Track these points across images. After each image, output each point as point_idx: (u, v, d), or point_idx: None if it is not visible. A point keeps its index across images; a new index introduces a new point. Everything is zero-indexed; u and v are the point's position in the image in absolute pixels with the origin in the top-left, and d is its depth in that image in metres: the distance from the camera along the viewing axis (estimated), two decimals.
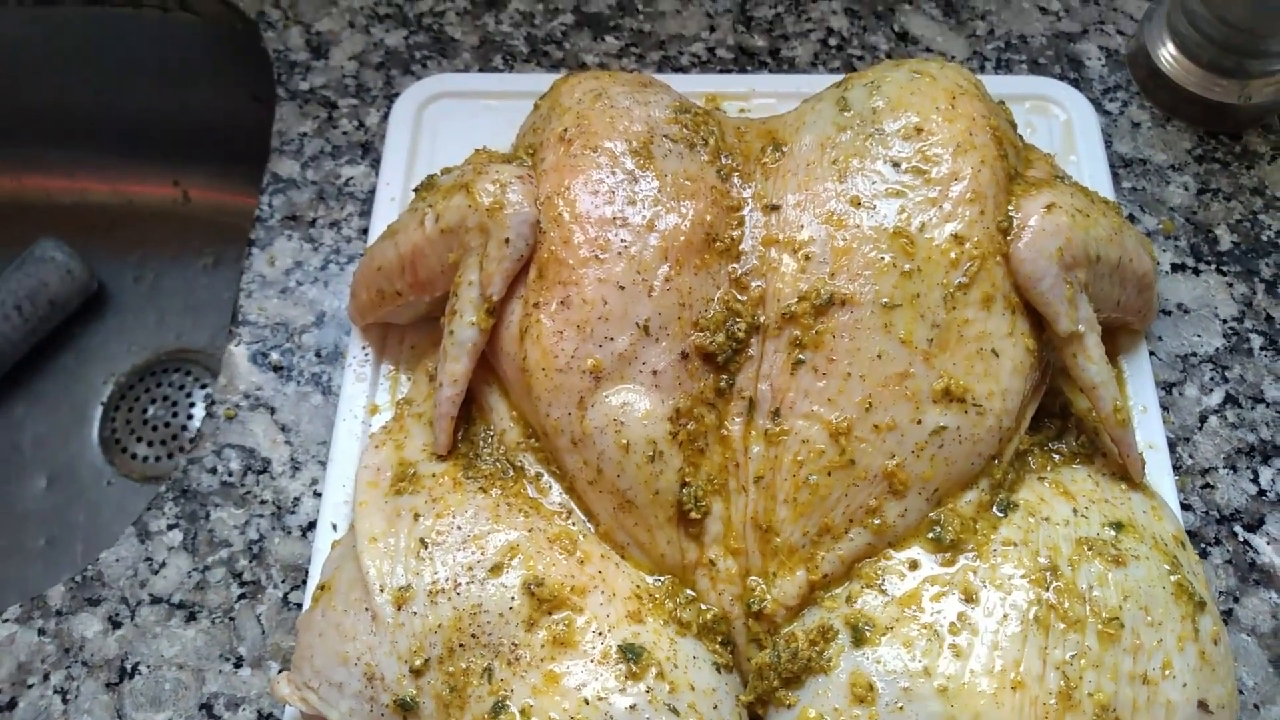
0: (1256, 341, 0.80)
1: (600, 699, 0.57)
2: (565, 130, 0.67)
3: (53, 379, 1.10)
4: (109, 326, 1.13)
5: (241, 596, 0.73)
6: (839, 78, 0.72)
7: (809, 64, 0.93)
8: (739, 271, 0.64)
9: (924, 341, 0.61)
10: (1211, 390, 0.78)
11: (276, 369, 0.81)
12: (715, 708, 0.58)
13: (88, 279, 1.10)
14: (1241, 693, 0.68)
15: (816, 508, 0.61)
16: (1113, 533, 0.61)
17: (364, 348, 0.77)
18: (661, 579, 0.63)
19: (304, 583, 0.72)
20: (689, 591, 0.63)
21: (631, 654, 0.58)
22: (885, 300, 0.61)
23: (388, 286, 0.72)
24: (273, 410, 0.79)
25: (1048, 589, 0.58)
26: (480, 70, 0.93)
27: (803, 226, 0.64)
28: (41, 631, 0.71)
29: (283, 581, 0.73)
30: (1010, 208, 0.64)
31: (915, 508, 0.61)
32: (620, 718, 0.56)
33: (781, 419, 0.62)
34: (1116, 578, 0.59)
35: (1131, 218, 0.84)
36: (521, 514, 0.63)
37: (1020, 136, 0.71)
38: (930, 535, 0.61)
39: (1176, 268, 0.82)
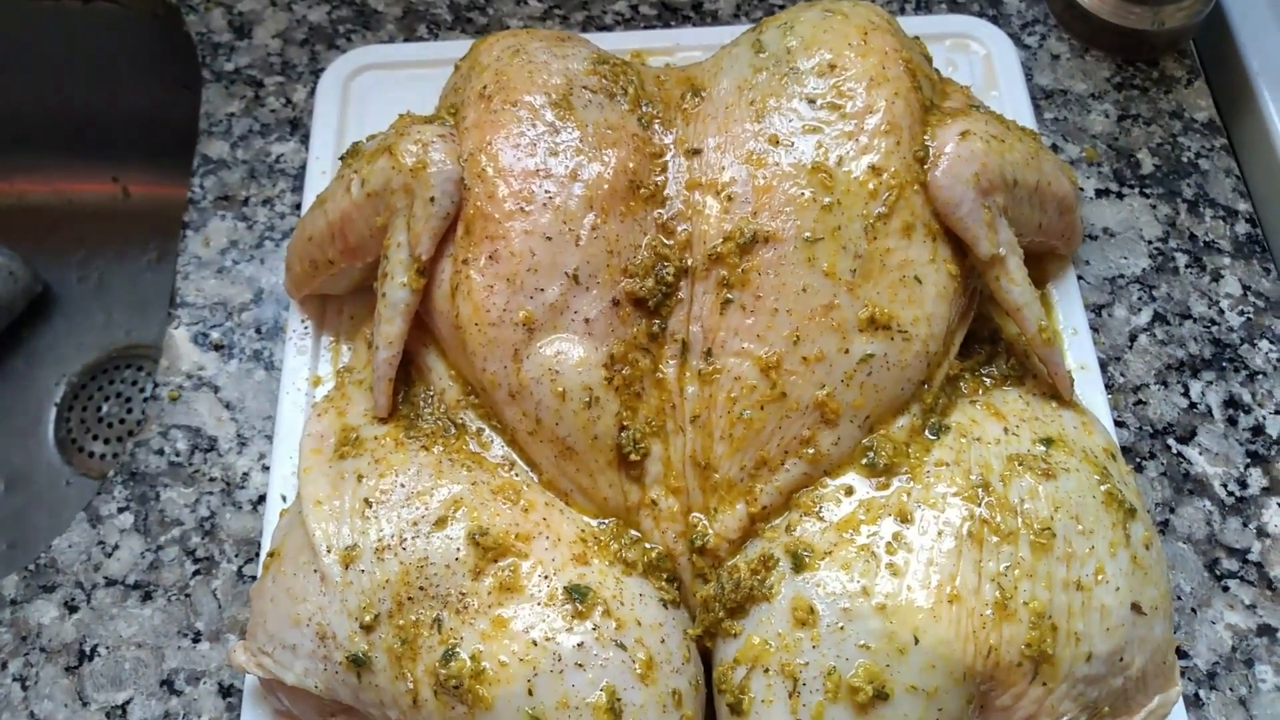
0: (1181, 260, 0.81)
1: (548, 639, 0.58)
2: (484, 87, 0.67)
3: (3, 383, 1.09)
4: (57, 327, 1.12)
5: (196, 573, 0.73)
6: None
7: (732, 16, 0.93)
8: (664, 216, 0.65)
9: (847, 273, 0.62)
10: (1140, 309, 0.79)
11: (218, 348, 0.81)
12: (663, 641, 0.59)
13: (31, 281, 1.09)
14: (1179, 598, 0.70)
15: (752, 442, 0.62)
16: (1043, 448, 0.63)
17: (303, 321, 0.77)
18: (606, 522, 0.64)
19: (257, 555, 0.73)
20: (633, 532, 0.64)
21: (577, 594, 0.59)
22: (807, 235, 0.62)
23: (320, 256, 0.73)
24: (216, 389, 0.79)
25: (980, 505, 0.60)
26: (405, 40, 0.93)
27: (724, 168, 0.65)
28: None
29: (236, 556, 0.73)
30: (926, 137, 0.65)
31: (848, 435, 0.62)
32: (568, 656, 0.57)
33: (714, 358, 0.63)
34: (1047, 490, 0.60)
35: (1055, 147, 0.86)
36: (464, 469, 0.64)
37: (936, 70, 0.72)
38: (864, 461, 0.62)
39: (1101, 193, 0.84)
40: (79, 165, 1.16)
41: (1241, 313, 0.79)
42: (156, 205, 1.16)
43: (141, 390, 1.09)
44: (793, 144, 0.64)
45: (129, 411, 1.08)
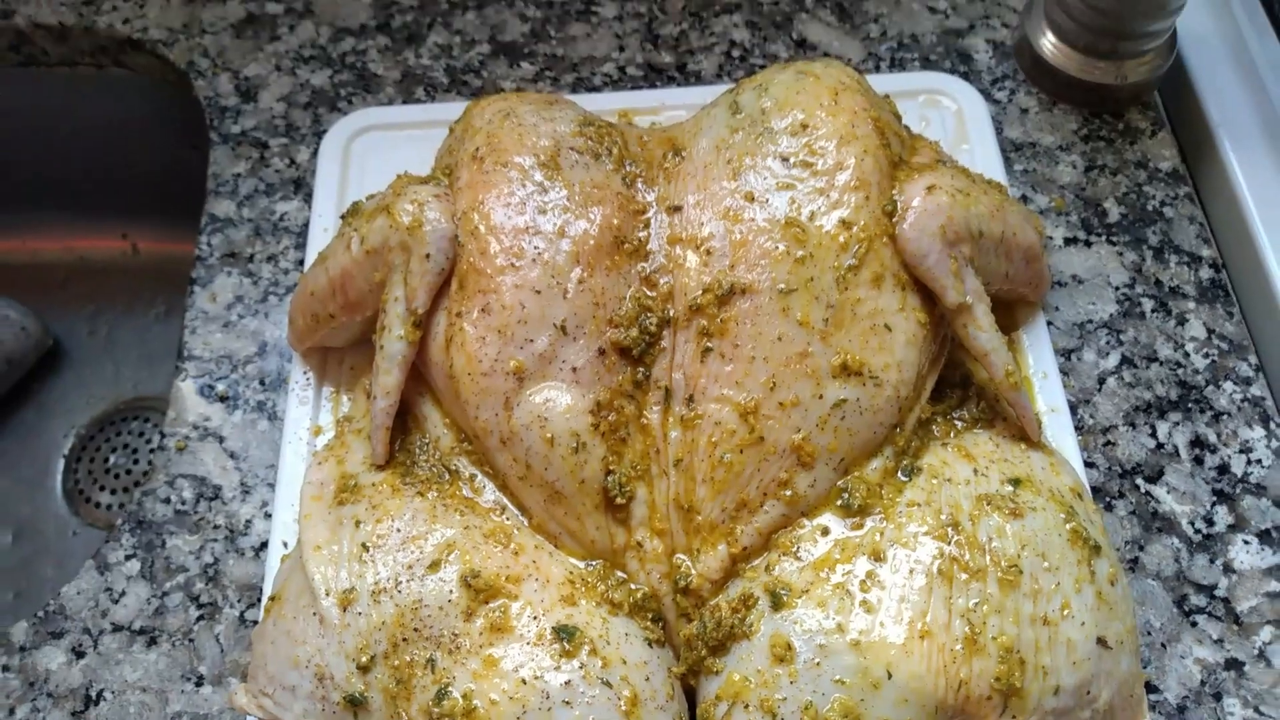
0: (1148, 305, 0.84)
1: (537, 678, 0.60)
2: (477, 149, 0.71)
3: (13, 435, 1.12)
4: (66, 380, 1.14)
5: (200, 618, 0.75)
6: None
7: (714, 76, 0.97)
8: (648, 270, 0.68)
9: (820, 322, 0.65)
10: (1108, 354, 0.82)
11: (223, 399, 0.84)
12: (648, 679, 0.62)
13: (42, 335, 1.12)
14: (1149, 633, 0.72)
15: (732, 484, 0.65)
16: (1010, 488, 0.65)
17: (305, 372, 0.80)
18: (593, 564, 0.66)
19: (258, 600, 0.75)
20: (619, 574, 0.66)
21: (565, 634, 0.61)
22: (782, 286, 0.65)
23: (321, 310, 0.76)
24: (221, 439, 0.82)
25: (950, 543, 0.62)
26: (403, 103, 0.97)
27: (703, 224, 0.68)
28: (5, 668, 0.74)
29: (238, 601, 0.76)
30: (895, 192, 0.68)
31: (824, 477, 0.65)
32: (556, 693, 0.59)
33: (695, 404, 0.66)
34: (1014, 528, 0.63)
35: (1024, 198, 0.89)
36: (457, 513, 0.67)
37: (906, 126, 0.76)
38: (839, 502, 0.65)
39: (1069, 241, 0.87)
40: (90, 223, 1.20)
41: (1206, 355, 0.82)
42: (164, 261, 1.18)
43: (148, 441, 1.11)
44: (767, 200, 0.67)
45: (135, 462, 1.10)
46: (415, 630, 0.62)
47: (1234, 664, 0.71)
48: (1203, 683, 0.70)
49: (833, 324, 0.65)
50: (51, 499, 1.09)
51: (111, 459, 1.11)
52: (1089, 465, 0.77)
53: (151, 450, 1.10)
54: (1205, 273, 0.85)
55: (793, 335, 0.65)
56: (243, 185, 0.94)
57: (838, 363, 0.65)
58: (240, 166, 0.95)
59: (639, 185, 0.71)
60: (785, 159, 0.68)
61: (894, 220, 0.67)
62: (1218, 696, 0.70)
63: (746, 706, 0.60)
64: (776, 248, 0.66)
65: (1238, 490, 0.76)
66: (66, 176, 1.17)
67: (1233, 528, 0.75)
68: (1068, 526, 0.64)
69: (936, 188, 0.68)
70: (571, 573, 0.65)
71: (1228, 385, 0.80)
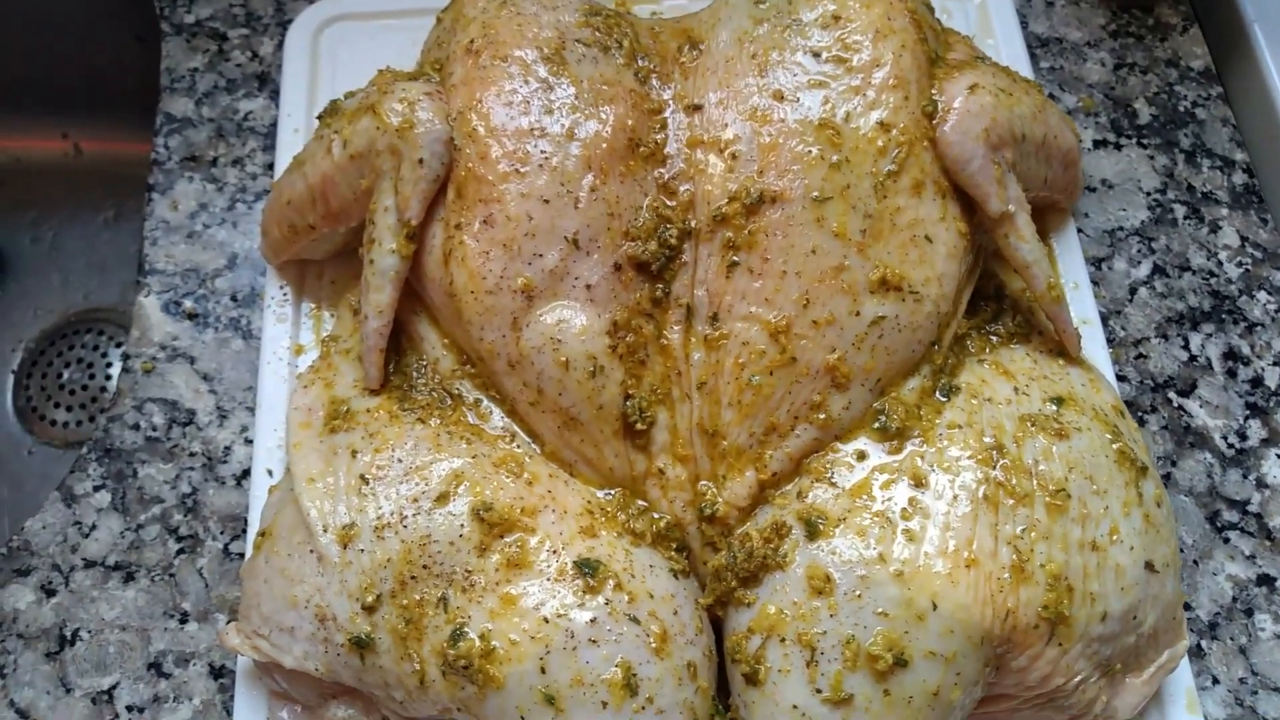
0: (1180, 211, 0.81)
1: (560, 615, 0.56)
2: (472, 41, 0.64)
3: None
4: (11, 292, 1.07)
5: (180, 552, 0.70)
6: None
7: None
8: (666, 176, 0.63)
9: (857, 233, 0.60)
10: (1139, 262, 0.79)
11: (191, 317, 0.77)
12: (675, 613, 0.58)
13: None
14: (1182, 550, 0.70)
15: (761, 408, 0.61)
16: (1054, 407, 0.62)
17: (282, 287, 0.74)
18: (612, 492, 0.62)
19: (244, 532, 0.70)
20: (641, 502, 0.62)
21: (588, 568, 0.57)
22: (815, 194, 0.60)
23: (299, 220, 0.69)
24: (192, 360, 0.76)
25: (994, 467, 0.59)
26: None
27: (727, 125, 0.63)
28: None
29: (221, 533, 0.71)
30: (934, 91, 0.63)
31: (859, 399, 0.61)
32: (581, 632, 0.56)
33: (720, 323, 0.61)
34: (1061, 450, 0.60)
35: (1051, 97, 0.84)
36: (464, 441, 0.62)
37: (939, 20, 0.70)
38: (876, 425, 0.61)
39: (1099, 144, 0.83)
40: (26, 121, 1.11)
41: (1240, 264, 0.79)
42: (110, 162, 1.11)
43: (104, 355, 1.05)
44: (798, 99, 0.62)
45: (91, 378, 1.04)
46: (424, 567, 0.58)
47: (1266, 580, 0.69)
48: (1234, 599, 0.69)
49: (870, 235, 0.60)
50: (3, 417, 1.04)
51: (65, 374, 1.04)
52: (1120, 379, 0.74)
53: (109, 365, 1.03)
54: (1238, 178, 0.82)
55: (828, 248, 0.60)
56: (200, 81, 0.85)
57: (876, 277, 0.60)
58: (197, 60, 0.86)
59: (653, 82, 0.65)
60: (816, 54, 0.63)
61: (934, 122, 0.62)
62: (1249, 612, 0.68)
63: (783, 640, 0.57)
64: (809, 152, 0.61)
65: (1271, 404, 0.74)
66: None
67: (1265, 442, 0.73)
68: (1114, 447, 0.61)
69: (980, 87, 0.63)
70: (590, 502, 0.61)
71: (1261, 295, 0.78)
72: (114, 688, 0.67)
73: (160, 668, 0.67)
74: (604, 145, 0.61)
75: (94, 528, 0.71)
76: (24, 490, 0.99)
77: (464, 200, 0.61)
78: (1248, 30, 0.83)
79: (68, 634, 0.68)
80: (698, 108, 0.64)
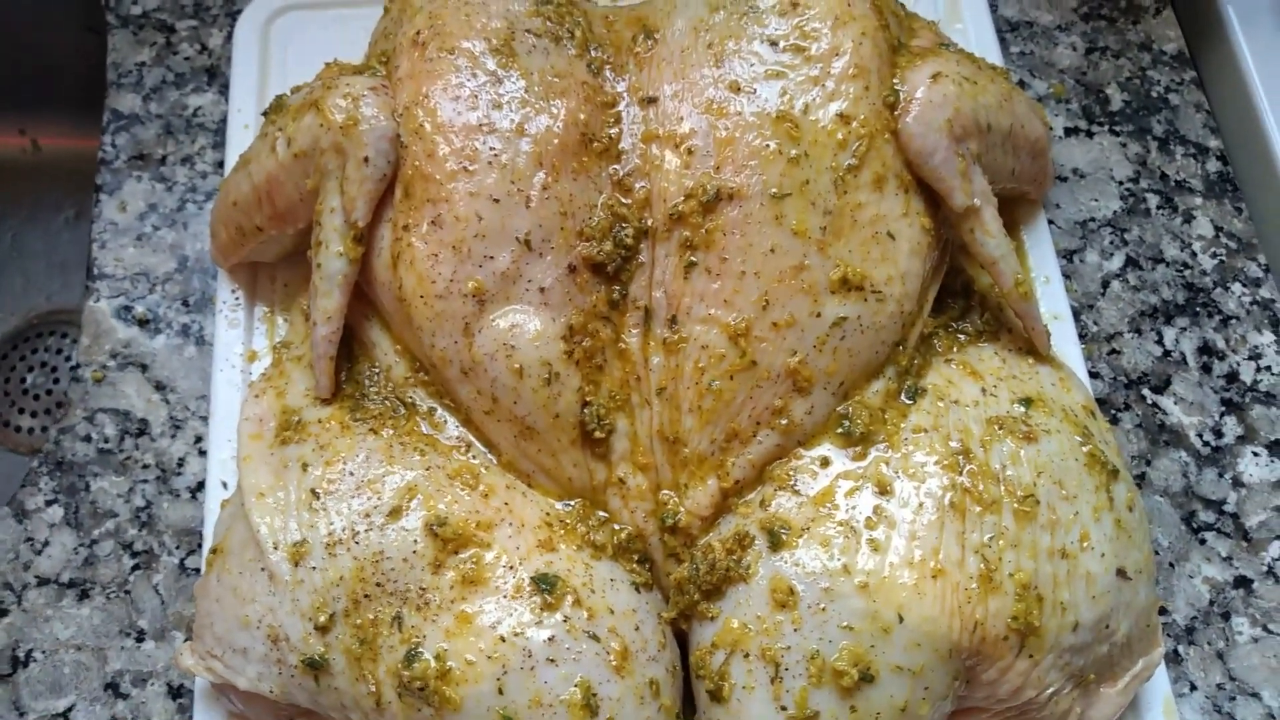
0: (1153, 201, 0.79)
1: (517, 634, 0.55)
2: (418, 33, 0.62)
3: None
4: None
5: (135, 568, 0.69)
6: None
7: None
8: (620, 173, 0.61)
9: (817, 230, 0.58)
10: (1112, 255, 0.77)
11: (142, 323, 0.75)
12: (637, 629, 0.57)
13: None
14: (1157, 553, 0.69)
15: (722, 413, 0.59)
16: (1022, 409, 0.60)
17: (234, 291, 0.72)
18: (572, 503, 0.60)
19: (200, 546, 0.69)
20: (601, 513, 0.61)
21: (545, 584, 0.56)
22: (774, 190, 0.58)
23: (246, 222, 0.67)
24: (144, 367, 0.74)
25: (961, 473, 0.57)
26: None
27: (682, 118, 0.60)
28: None
29: (177, 548, 0.69)
30: (895, 80, 0.61)
31: (822, 403, 0.59)
32: (539, 651, 0.54)
33: (679, 326, 0.59)
34: (1029, 454, 0.58)
35: (1022, 83, 0.82)
36: (417, 452, 0.60)
37: (901, 4, 0.68)
38: (839, 430, 0.59)
39: (1070, 131, 0.81)
40: None
41: (1214, 255, 0.77)
42: (71, 159, 1.08)
43: (68, 359, 1.02)
44: (755, 91, 0.60)
45: (56, 382, 1.02)
46: (378, 585, 0.56)
47: (1243, 582, 0.68)
48: (1211, 602, 0.67)
49: (831, 233, 0.59)
50: None
51: (28, 378, 1.02)
52: (1093, 375, 0.73)
53: (73, 367, 1.01)
54: (1212, 165, 0.80)
55: (787, 246, 0.58)
56: (148, 76, 0.83)
57: (837, 276, 0.58)
58: (144, 54, 0.84)
59: (607, 73, 0.62)
60: (774, 43, 0.60)
61: (896, 113, 0.60)
62: (1226, 616, 0.67)
63: (746, 655, 0.55)
64: (767, 146, 0.59)
65: (1247, 399, 0.73)
66: None
67: (1242, 439, 0.72)
68: (1084, 450, 0.59)
69: (942, 75, 0.61)
70: (548, 514, 0.59)
71: (1236, 287, 0.76)
72: (70, 710, 0.65)
73: (118, 688, 0.66)
74: (556, 141, 0.59)
75: (46, 544, 0.69)
76: None
77: (412, 200, 0.59)
78: (1221, 11, 0.81)
79: (21, 655, 0.66)
80: (653, 100, 0.61)
